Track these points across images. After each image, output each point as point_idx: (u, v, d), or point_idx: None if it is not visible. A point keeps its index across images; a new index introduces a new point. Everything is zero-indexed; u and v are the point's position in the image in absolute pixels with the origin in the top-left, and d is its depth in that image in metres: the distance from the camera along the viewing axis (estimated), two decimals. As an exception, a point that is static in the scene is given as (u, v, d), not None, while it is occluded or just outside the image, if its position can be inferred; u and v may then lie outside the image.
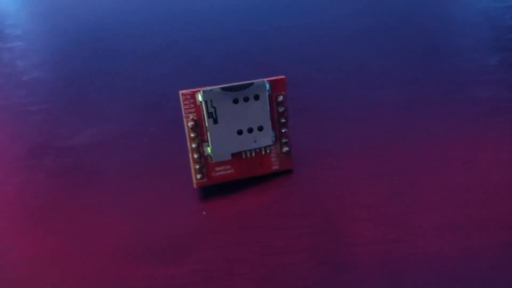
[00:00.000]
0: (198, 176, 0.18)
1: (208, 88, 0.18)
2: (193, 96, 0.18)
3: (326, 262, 0.16)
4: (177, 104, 0.25)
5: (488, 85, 0.26)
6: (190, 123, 0.18)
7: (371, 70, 0.29)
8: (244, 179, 0.19)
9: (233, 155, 0.19)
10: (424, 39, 0.32)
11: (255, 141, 0.19)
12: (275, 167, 0.19)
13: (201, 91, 0.17)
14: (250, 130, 0.18)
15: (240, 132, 0.18)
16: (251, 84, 0.18)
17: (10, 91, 0.29)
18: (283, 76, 0.18)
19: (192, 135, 0.18)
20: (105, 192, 0.20)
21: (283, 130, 0.19)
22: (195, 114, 0.18)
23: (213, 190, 0.19)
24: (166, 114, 0.25)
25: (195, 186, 0.19)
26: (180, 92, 0.18)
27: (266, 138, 0.19)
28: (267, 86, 0.18)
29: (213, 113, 0.18)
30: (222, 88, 0.18)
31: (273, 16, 0.39)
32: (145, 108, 0.26)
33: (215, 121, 0.18)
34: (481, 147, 0.21)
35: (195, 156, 0.18)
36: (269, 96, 0.18)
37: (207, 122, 0.18)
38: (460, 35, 0.32)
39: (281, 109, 0.19)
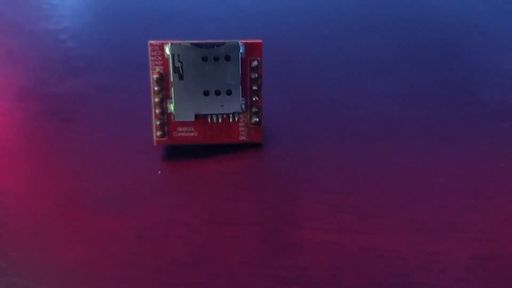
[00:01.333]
0: (158, 133, 0.18)
1: (178, 41, 0.17)
2: (161, 47, 0.17)
3: (269, 241, 0.15)
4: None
5: (500, 88, 0.23)
6: (155, 76, 0.17)
7: (370, 55, 0.27)
8: (207, 144, 0.18)
9: (197, 117, 0.18)
10: (438, 34, 0.30)
11: (222, 106, 0.17)
12: (243, 138, 0.18)
13: (170, 43, 0.17)
14: (217, 93, 0.17)
15: (206, 93, 0.17)
16: (223, 43, 0.17)
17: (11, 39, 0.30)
18: (260, 40, 0.17)
19: (156, 88, 0.17)
20: (71, 139, 0.20)
21: (255, 99, 0.18)
22: (161, 68, 0.17)
23: (173, 151, 0.19)
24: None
25: (155, 143, 0.18)
26: (149, 42, 0.17)
27: (234, 104, 0.18)
28: (241, 48, 0.17)
29: (180, 68, 0.17)
30: (192, 44, 0.17)
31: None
32: (134, 64, 0.25)
33: (181, 77, 0.17)
34: (471, 151, 0.19)
35: (157, 111, 0.17)
36: (243, 60, 0.17)
37: (172, 77, 0.17)
38: (479, 33, 0.30)
39: (254, 75, 0.17)
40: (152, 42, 0.17)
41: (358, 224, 0.16)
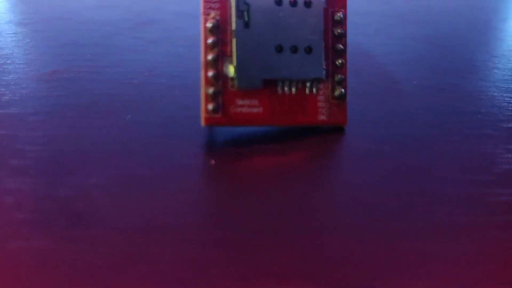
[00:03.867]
0: (210, 107, 0.12)
1: (243, -23, 0.12)
2: (219, -15, 0.12)
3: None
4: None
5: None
6: (210, 23, 0.12)
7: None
8: (271, 127, 0.13)
9: (265, 83, 0.13)
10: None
11: (299, 68, 0.13)
12: (322, 118, 0.13)
13: (233, -22, 0.12)
14: (293, 50, 0.13)
15: (279, 49, 0.13)
16: (303, -16, 0.13)
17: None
18: (344, -12, 0.13)
19: (209, 40, 0.12)
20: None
21: (339, 62, 0.13)
22: (218, 12, 0.12)
23: (226, 133, 0.13)
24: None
25: (203, 123, 0.12)
26: (201, -23, 0.12)
27: (315, 67, 0.13)
28: (324, -7, 0.13)
29: (246, 12, 0.12)
30: (263, -19, 0.12)
31: None
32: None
33: (247, 25, 0.12)
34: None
35: (210, 74, 0.12)
36: (324, 11, 0.13)
37: (234, 24, 0.12)
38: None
39: (338, 31, 0.13)
40: (206, -24, 0.12)
41: None
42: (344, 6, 0.13)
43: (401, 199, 0.11)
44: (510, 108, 0.15)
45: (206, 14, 0.12)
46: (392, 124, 0.14)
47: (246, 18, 0.12)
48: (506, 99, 0.16)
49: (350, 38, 0.14)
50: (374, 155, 0.13)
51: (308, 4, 0.13)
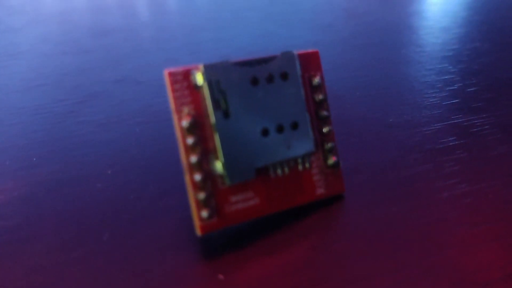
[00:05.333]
0: (204, 214, 0.11)
1: (212, 63, 0.11)
2: (186, 76, 0.11)
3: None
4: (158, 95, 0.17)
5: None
6: (185, 122, 0.11)
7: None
8: (271, 215, 0.12)
9: (257, 172, 0.11)
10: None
11: (288, 147, 0.12)
12: (321, 191, 0.12)
13: (202, 67, 0.11)
14: (279, 129, 0.12)
15: (265, 132, 0.11)
16: (275, 57, 0.12)
17: None
18: (315, 50, 0.12)
19: (189, 141, 0.11)
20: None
21: (326, 130, 0.12)
22: (192, 107, 0.11)
23: (222, 237, 0.12)
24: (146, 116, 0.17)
25: (199, 232, 0.11)
26: (167, 71, 0.11)
27: (304, 141, 0.12)
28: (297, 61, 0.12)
29: (223, 101, 0.11)
30: (235, 63, 0.11)
31: None
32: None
33: (226, 115, 0.11)
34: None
35: (197, 177, 0.11)
36: (301, 78, 0.12)
37: (213, 117, 0.11)
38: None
39: (319, 97, 0.12)
40: (171, 70, 0.11)
41: None
42: (319, 68, 0.12)
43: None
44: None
45: (179, 111, 0.11)
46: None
47: (224, 107, 0.11)
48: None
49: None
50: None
51: (284, 76, 0.12)
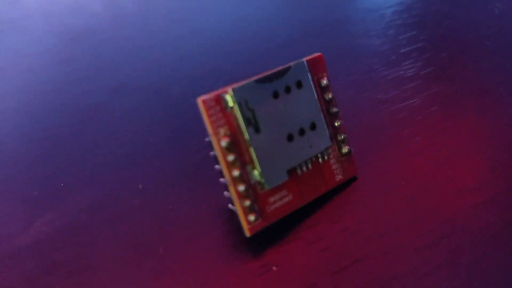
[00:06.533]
0: (251, 218, 0.12)
1: (238, 84, 0.12)
2: (218, 101, 0.12)
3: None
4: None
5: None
6: (224, 142, 0.12)
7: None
8: (302, 207, 0.14)
9: (288, 173, 0.13)
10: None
11: (310, 146, 0.13)
12: (339, 177, 0.14)
13: (231, 90, 0.12)
14: (301, 132, 0.13)
15: (290, 138, 0.13)
16: (288, 68, 0.13)
17: None
18: (319, 53, 0.14)
19: (229, 158, 0.12)
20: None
21: (337, 124, 0.14)
22: (226, 127, 0.12)
23: (262, 235, 0.13)
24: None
25: (248, 234, 0.12)
26: (200, 99, 0.12)
27: (322, 138, 0.13)
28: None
29: (252, 118, 0.12)
30: (257, 81, 0.12)
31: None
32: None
33: (257, 129, 0.12)
34: None
35: (241, 188, 0.12)
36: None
37: (246, 134, 0.12)
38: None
39: (328, 96, 0.14)
40: (204, 98, 0.12)
41: None
42: (324, 70, 0.14)
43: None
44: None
45: (217, 133, 0.12)
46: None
47: (254, 123, 0.12)
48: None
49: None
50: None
51: (299, 85, 0.13)
